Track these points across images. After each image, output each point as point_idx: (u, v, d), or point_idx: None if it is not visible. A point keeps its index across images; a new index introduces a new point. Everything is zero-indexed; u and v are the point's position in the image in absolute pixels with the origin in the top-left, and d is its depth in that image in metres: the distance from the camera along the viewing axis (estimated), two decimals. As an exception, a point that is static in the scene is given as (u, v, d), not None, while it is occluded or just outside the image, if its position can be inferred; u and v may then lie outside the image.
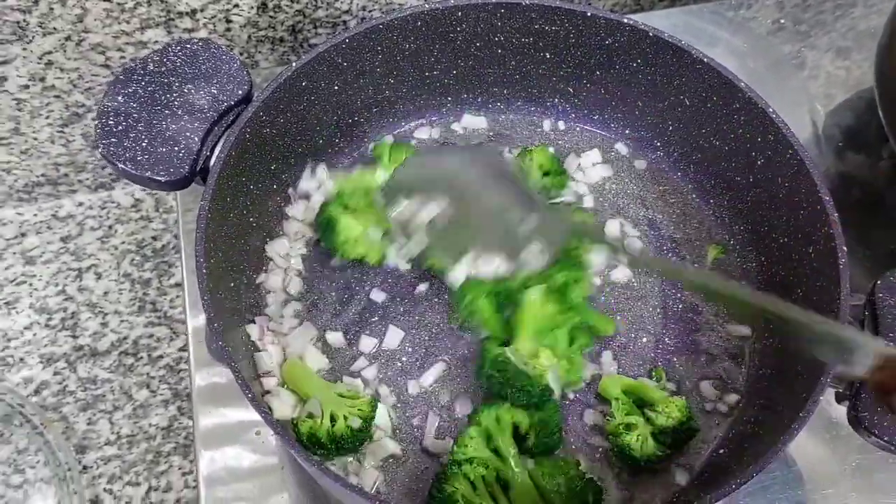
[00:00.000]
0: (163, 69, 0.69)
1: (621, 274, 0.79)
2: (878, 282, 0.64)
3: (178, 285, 0.97)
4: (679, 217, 0.82)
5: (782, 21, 1.03)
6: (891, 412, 0.53)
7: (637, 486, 0.69)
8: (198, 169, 0.67)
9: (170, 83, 0.69)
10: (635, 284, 0.78)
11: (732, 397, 0.73)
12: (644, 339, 0.75)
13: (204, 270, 0.61)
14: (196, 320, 0.80)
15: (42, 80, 0.89)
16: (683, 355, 0.75)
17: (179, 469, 0.86)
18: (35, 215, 1.01)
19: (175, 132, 0.67)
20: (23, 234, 1.00)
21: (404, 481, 0.69)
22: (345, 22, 0.96)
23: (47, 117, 0.93)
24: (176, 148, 0.67)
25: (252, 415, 0.75)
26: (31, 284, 0.96)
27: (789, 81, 0.98)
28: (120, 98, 0.68)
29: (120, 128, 0.67)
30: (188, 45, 0.71)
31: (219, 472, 0.72)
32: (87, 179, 1.02)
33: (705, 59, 0.73)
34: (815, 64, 1.00)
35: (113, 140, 0.66)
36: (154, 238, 1.00)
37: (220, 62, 0.70)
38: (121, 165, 0.65)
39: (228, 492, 0.71)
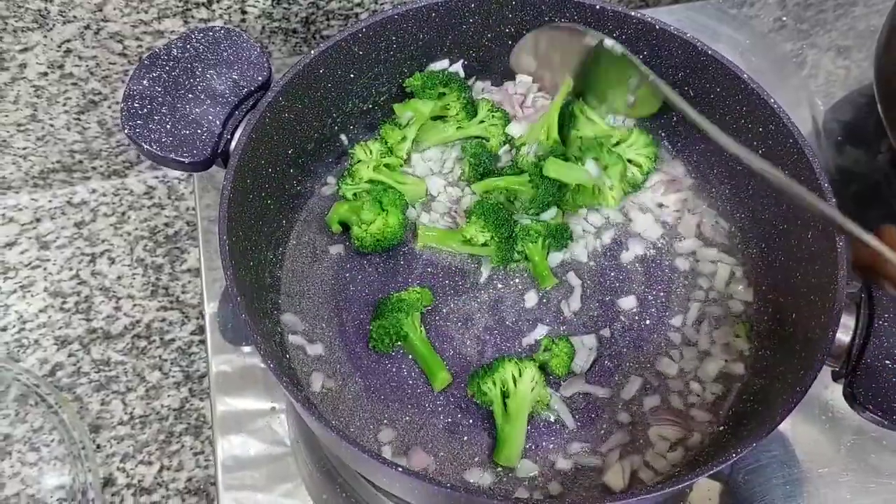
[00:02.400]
0: (186, 55, 0.71)
1: (631, 256, 0.81)
2: (874, 267, 0.66)
3: (190, 271, 0.98)
4: (682, 205, 0.84)
5: (784, 19, 1.04)
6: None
7: (633, 460, 0.70)
8: (219, 151, 0.69)
9: (193, 68, 0.71)
10: (639, 268, 0.80)
11: (732, 377, 0.74)
12: (647, 322, 0.77)
13: (227, 248, 0.63)
14: (212, 306, 0.82)
15: (60, 67, 0.90)
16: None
17: (191, 449, 0.87)
18: (50, 201, 1.02)
19: (198, 116, 0.70)
20: (38, 220, 1.00)
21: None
22: (357, 14, 0.97)
23: (64, 104, 0.94)
24: (198, 131, 0.69)
25: (261, 403, 0.77)
26: (45, 269, 0.97)
27: (790, 79, 1.00)
28: (145, 82, 0.70)
29: (145, 111, 0.69)
30: (210, 33, 0.73)
31: (228, 460, 0.74)
32: (101, 167, 1.03)
33: (709, 52, 0.75)
34: (815, 63, 1.02)
35: (139, 122, 0.68)
36: (166, 224, 1.02)
37: (241, 49, 0.73)
38: (146, 146, 0.68)
39: (235, 479, 0.73)
